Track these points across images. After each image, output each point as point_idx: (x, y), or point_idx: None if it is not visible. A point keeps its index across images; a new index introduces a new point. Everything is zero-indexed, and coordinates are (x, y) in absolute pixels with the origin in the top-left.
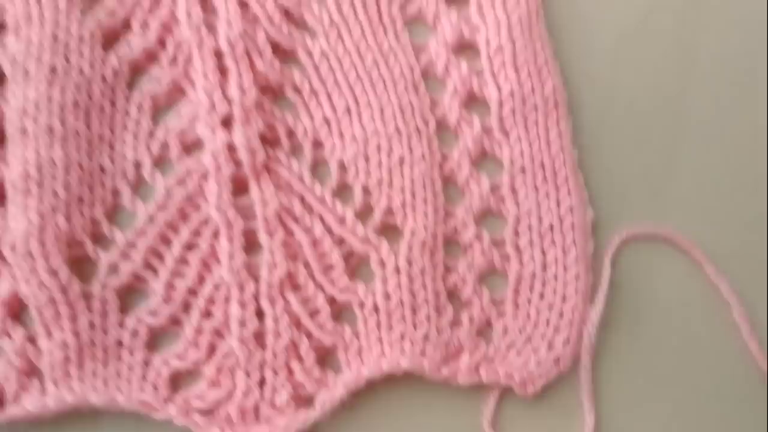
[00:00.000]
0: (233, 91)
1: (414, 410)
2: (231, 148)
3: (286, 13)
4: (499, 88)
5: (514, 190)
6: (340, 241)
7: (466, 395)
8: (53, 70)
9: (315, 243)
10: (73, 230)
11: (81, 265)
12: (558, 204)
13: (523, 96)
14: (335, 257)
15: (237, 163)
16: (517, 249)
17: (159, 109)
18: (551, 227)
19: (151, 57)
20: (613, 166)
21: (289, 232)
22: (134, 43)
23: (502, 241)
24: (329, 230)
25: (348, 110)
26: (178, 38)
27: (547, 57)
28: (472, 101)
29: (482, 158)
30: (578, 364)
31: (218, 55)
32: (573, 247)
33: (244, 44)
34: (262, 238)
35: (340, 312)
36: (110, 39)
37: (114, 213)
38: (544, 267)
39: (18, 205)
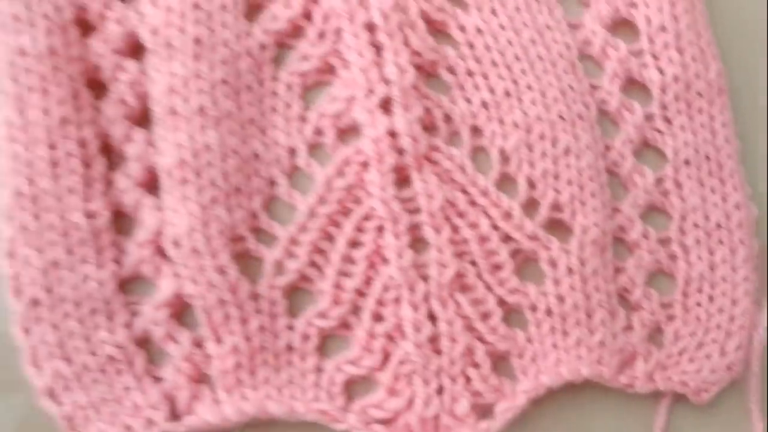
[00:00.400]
0: (390, 70)
1: (580, 416)
2: (392, 135)
3: None
4: (661, 72)
5: (678, 184)
6: (506, 238)
7: (632, 401)
8: (198, 42)
9: (482, 240)
10: (234, 224)
11: (244, 263)
12: (724, 200)
13: (687, 81)
14: (503, 255)
15: (399, 152)
16: (684, 248)
17: (308, 89)
18: (718, 225)
19: (297, 30)
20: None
21: (454, 228)
22: (278, 14)
23: (668, 239)
24: (495, 226)
25: (507, 93)
26: (325, 8)
27: (710, 37)
28: (631, 85)
29: (644, 148)
30: (746, 370)
31: (370, 28)
32: (740, 246)
33: (398, 16)
34: (429, 234)
35: (509, 315)
36: (253, 8)
37: (270, 205)
38: (712, 268)
39: (175, 195)
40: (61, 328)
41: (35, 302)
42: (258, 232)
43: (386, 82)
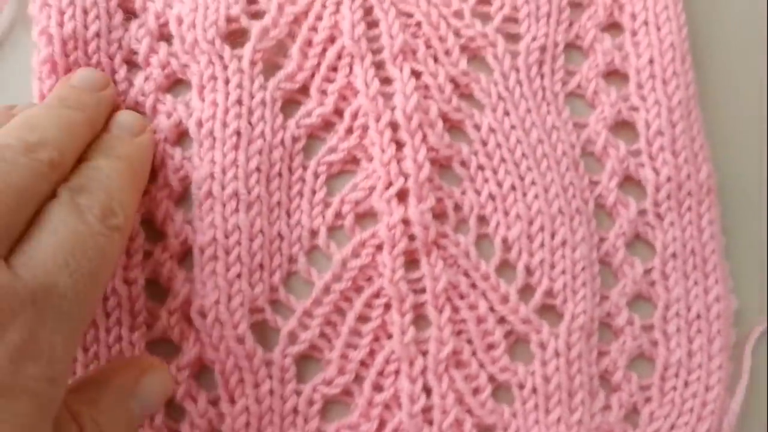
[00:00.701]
0: (408, 165)
1: None
2: (405, 222)
3: (455, 84)
4: (656, 172)
5: (665, 276)
6: (501, 320)
7: None
8: (238, 134)
9: (479, 320)
10: (255, 297)
11: (261, 332)
12: (706, 292)
13: (679, 181)
14: (497, 336)
15: (410, 238)
16: (665, 335)
17: (333, 177)
18: (698, 315)
19: (328, 125)
20: (757, 253)
21: (455, 309)
22: (312, 110)
23: (651, 326)
24: (492, 308)
25: (513, 187)
26: (355, 108)
27: (703, 142)
28: (628, 182)
29: (635, 241)
30: None
31: (393, 127)
32: (718, 336)
33: (418, 117)
34: (431, 313)
35: (498, 391)
36: (288, 103)
37: (288, 280)
38: (690, 355)
39: (206, 270)
40: None
41: (73, 359)
42: (276, 303)
43: (404, 175)
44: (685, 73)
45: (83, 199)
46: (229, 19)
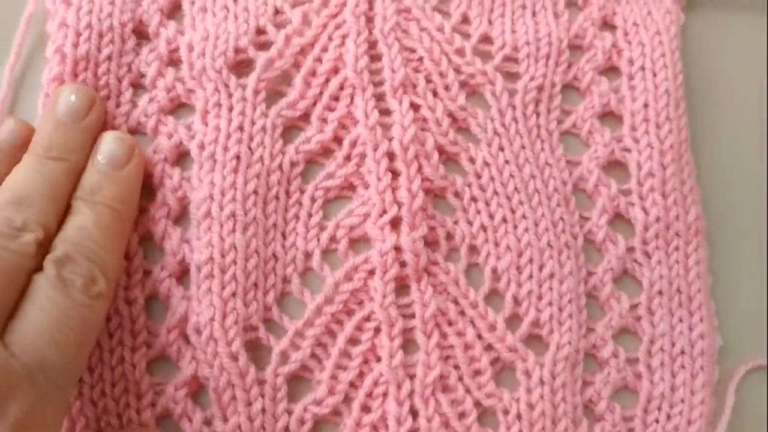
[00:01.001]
0: (403, 194)
1: None
2: (397, 249)
3: (453, 119)
4: (646, 212)
5: (650, 312)
6: (488, 347)
7: None
8: (237, 158)
9: (466, 347)
10: (249, 316)
11: (255, 350)
12: (690, 329)
13: (667, 222)
14: (484, 363)
15: (401, 264)
16: (650, 369)
17: (329, 202)
18: (682, 351)
19: (326, 152)
20: (744, 294)
21: (443, 335)
22: (312, 137)
23: (636, 360)
24: (480, 336)
25: (504, 220)
26: (353, 136)
27: (693, 184)
28: (618, 219)
29: (623, 276)
30: None
31: (390, 157)
32: (701, 372)
33: (415, 148)
34: (420, 339)
35: (483, 416)
36: (289, 130)
37: (282, 300)
38: (673, 389)
39: (201, 288)
40: (98, 405)
41: (79, 380)
42: (269, 323)
43: (398, 204)
44: (678, 119)
45: (67, 272)
46: (237, 50)
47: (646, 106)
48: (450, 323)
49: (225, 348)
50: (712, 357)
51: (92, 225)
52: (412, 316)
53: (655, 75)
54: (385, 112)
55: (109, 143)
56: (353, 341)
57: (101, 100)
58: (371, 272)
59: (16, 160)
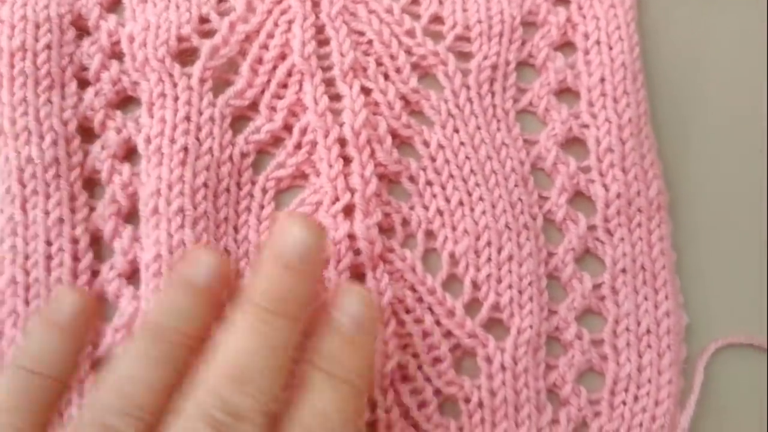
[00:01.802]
0: (356, 180)
1: None
2: (351, 237)
3: (405, 101)
4: (606, 188)
5: (614, 291)
6: (448, 334)
7: None
8: (185, 150)
9: (425, 334)
10: None
11: None
12: (656, 307)
13: (629, 198)
14: (443, 350)
15: (355, 252)
16: (615, 350)
17: (281, 193)
18: (648, 330)
19: (277, 141)
20: (711, 270)
21: (400, 323)
22: (261, 127)
23: (601, 341)
24: (438, 322)
25: (461, 203)
26: (303, 124)
27: (653, 158)
28: (578, 197)
29: (585, 255)
30: None
31: (341, 143)
32: (667, 351)
33: (367, 133)
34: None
35: (444, 404)
36: (238, 120)
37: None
38: (640, 370)
39: (150, 286)
40: None
41: None
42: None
43: (351, 191)
44: (636, 92)
45: None
46: (180, 38)
47: (602, 80)
48: (407, 311)
49: None
50: (678, 335)
51: (334, 409)
52: None
53: (610, 48)
54: (336, 97)
55: (355, 302)
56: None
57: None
58: (326, 262)
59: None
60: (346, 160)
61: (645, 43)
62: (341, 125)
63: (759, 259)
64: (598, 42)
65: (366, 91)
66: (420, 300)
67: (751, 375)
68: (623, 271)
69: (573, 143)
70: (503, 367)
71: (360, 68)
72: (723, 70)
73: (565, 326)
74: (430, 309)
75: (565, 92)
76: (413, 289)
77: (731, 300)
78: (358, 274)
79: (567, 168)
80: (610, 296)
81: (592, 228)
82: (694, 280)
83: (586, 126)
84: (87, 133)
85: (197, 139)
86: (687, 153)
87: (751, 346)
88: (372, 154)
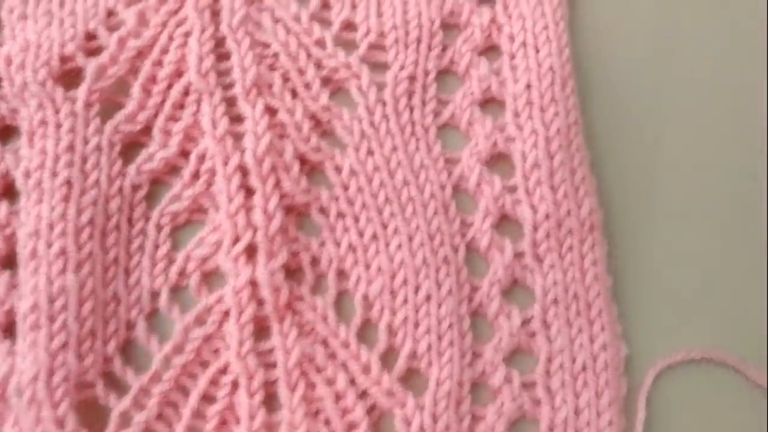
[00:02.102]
0: (258, 216)
1: None
2: (254, 284)
3: (315, 121)
4: (534, 209)
5: (546, 325)
6: (363, 394)
7: None
8: (68, 184)
9: (338, 397)
10: (84, 370)
11: (90, 412)
12: (591, 341)
13: (558, 219)
14: (358, 413)
15: (259, 302)
16: (549, 392)
17: (178, 229)
18: (584, 367)
19: (172, 169)
20: (650, 292)
21: (310, 385)
22: (155, 154)
23: (533, 383)
24: (353, 381)
25: (375, 237)
26: (201, 150)
27: (585, 173)
28: (504, 221)
29: (512, 287)
30: None
31: (243, 171)
32: (606, 389)
33: (271, 160)
34: (283, 393)
35: None
36: (129, 147)
37: (127, 348)
38: (577, 412)
39: (27, 342)
40: None
41: None
42: (110, 378)
43: (253, 228)
44: (565, 99)
45: None
46: (64, 58)
47: (529, 87)
48: (318, 370)
49: (49, 412)
50: (617, 369)
51: None
52: (274, 365)
53: (537, 51)
54: (237, 119)
55: None
56: (208, 399)
57: None
58: (226, 313)
59: None
60: (249, 191)
61: (576, 44)
62: (243, 151)
63: (701, 277)
64: (524, 44)
65: (271, 110)
66: (332, 356)
67: (698, 394)
68: (555, 301)
69: (498, 160)
70: (422, 428)
71: (265, 85)
72: (665, 72)
73: (492, 370)
74: (344, 366)
75: (490, 102)
76: (325, 344)
77: (673, 323)
78: (262, 329)
79: (491, 189)
80: (541, 331)
81: (519, 255)
82: (632, 304)
83: (511, 139)
84: None
85: (82, 171)
86: (622, 166)
87: (693, 361)
88: (277, 184)
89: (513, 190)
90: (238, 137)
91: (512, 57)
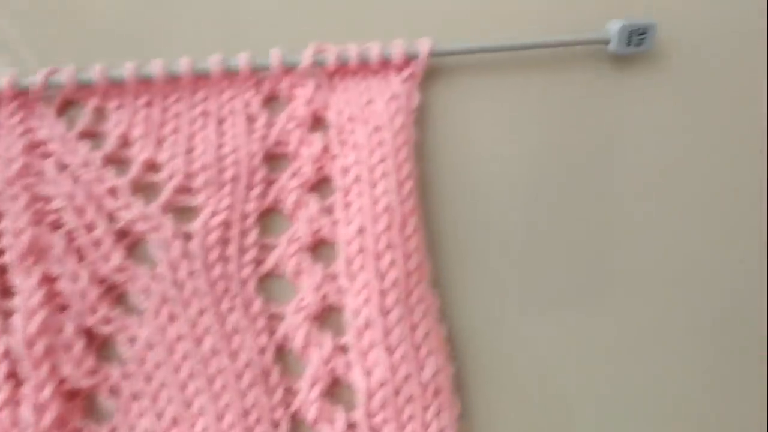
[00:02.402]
0: (26, 413)
1: None
2: None
3: (105, 288)
4: (367, 375)
5: None
6: None
7: None
8: None
9: None
10: None
11: None
12: None
13: (395, 385)
14: None
15: None
16: None
17: None
18: None
19: None
20: None
21: None
22: None
23: None
24: None
25: (175, 420)
26: None
27: (432, 326)
28: (335, 387)
29: None
30: None
31: (9, 359)
32: None
33: (47, 340)
34: None
35: None
36: None
37: None
38: None
39: None
40: None
41: None
42: None
43: (21, 427)
44: (404, 243)
45: None
46: None
47: (362, 231)
48: None
49: None
50: None
51: None
52: None
53: (373, 186)
54: (7, 292)
55: None
56: None
57: None
58: None
59: None
60: (18, 382)
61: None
62: (11, 334)
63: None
64: (358, 179)
65: (50, 280)
66: None
67: None
68: None
69: (329, 315)
70: None
71: (41, 250)
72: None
73: None
74: None
75: (321, 245)
76: None
77: None
78: None
79: (320, 351)
80: None
81: (352, 427)
82: None
83: (342, 292)
84: None
85: None
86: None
87: None
88: (53, 369)
89: (345, 350)
90: (6, 315)
91: (346, 193)
